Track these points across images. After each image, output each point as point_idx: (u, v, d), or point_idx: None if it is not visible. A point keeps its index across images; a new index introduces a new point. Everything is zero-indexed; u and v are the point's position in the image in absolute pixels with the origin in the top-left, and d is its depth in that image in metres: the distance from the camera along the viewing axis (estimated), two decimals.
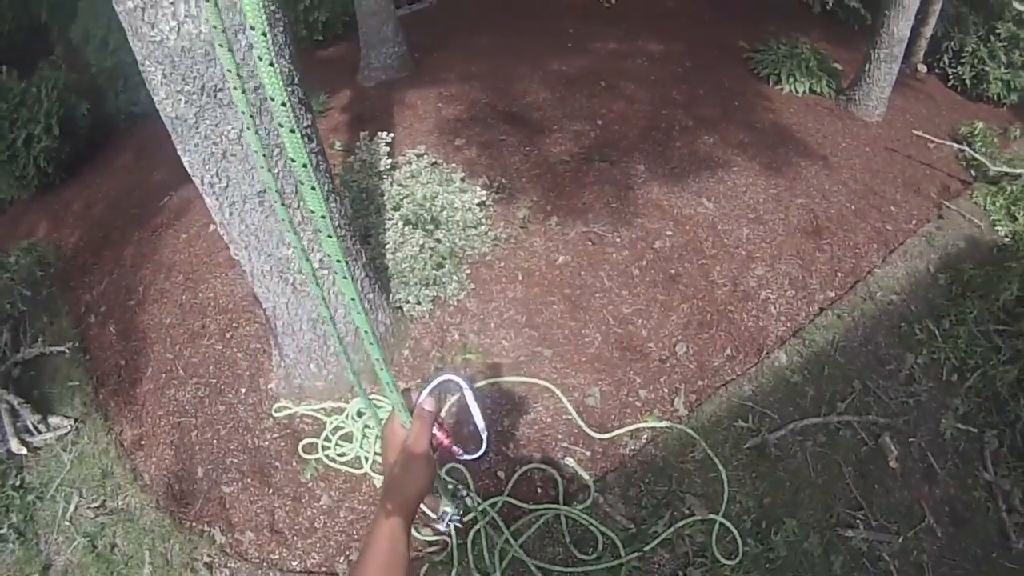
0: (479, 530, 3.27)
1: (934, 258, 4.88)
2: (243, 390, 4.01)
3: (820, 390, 3.90)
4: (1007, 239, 5.19)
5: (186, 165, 2.96)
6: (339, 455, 3.60)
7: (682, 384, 3.81)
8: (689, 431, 3.60)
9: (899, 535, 3.60)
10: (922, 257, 4.86)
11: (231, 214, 3.07)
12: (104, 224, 6.02)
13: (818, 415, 3.77)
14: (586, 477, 3.49)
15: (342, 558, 3.33)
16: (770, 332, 4.13)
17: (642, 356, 3.90)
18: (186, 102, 2.65)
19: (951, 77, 7.44)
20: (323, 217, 0.91)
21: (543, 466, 3.53)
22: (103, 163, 7.18)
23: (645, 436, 3.62)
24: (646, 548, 3.24)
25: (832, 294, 4.42)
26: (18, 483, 4.23)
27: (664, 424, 3.62)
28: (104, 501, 3.95)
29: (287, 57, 2.83)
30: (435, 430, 1.18)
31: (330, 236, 0.92)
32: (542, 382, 3.77)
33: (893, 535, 3.60)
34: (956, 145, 6.07)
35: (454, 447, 1.23)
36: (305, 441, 3.68)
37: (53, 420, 4.41)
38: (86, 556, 3.76)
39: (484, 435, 1.27)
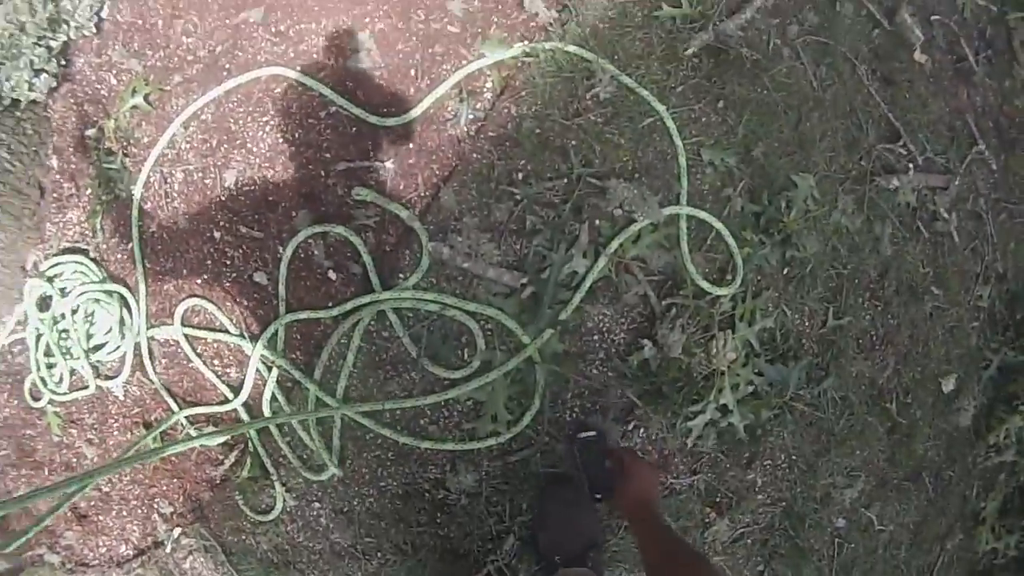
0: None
1: None
2: None
3: None
4: None
5: None
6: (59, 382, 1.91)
7: None
8: (571, 48, 1.66)
9: (953, 174, 2.03)
10: None
11: None
12: None
13: None
14: (408, 219, 1.58)
15: None
16: None
17: None
18: None
19: None
20: None
21: (322, 228, 1.61)
22: None
23: (487, 87, 1.69)
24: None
25: None
26: None
27: (518, 51, 1.66)
28: None
29: None
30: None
31: None
32: (269, 70, 1.70)
33: (946, 175, 2.02)
34: None
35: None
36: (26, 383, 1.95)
37: None
38: None
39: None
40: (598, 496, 1.50)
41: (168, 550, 1.84)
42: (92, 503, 1.93)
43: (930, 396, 2.06)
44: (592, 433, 1.55)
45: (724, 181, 1.70)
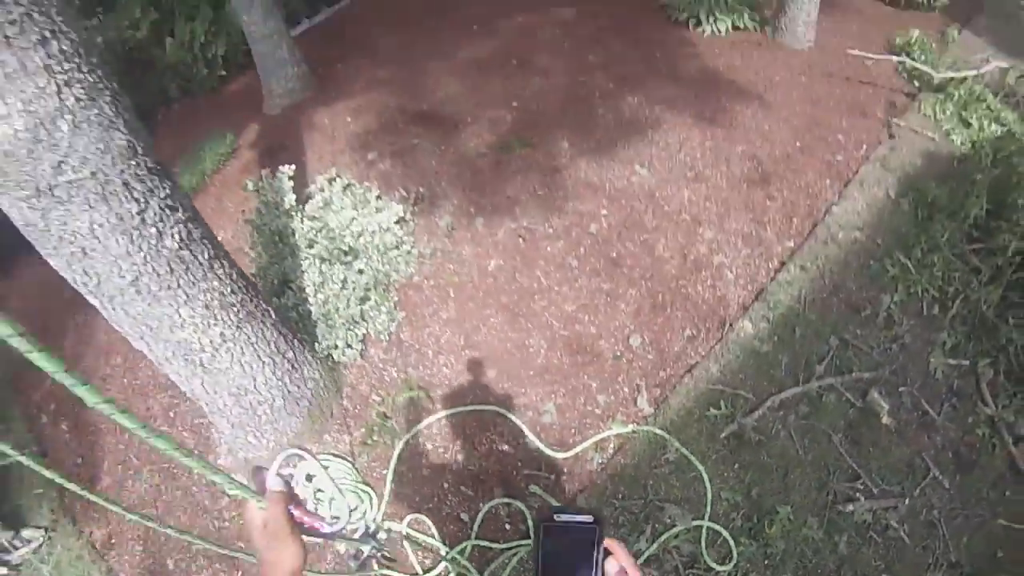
0: None
1: (893, 182, 4.54)
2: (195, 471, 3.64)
3: (794, 355, 3.55)
4: (965, 148, 4.85)
5: (56, 269, 2.66)
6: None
7: (642, 379, 3.45)
8: (658, 431, 3.24)
9: (905, 496, 3.29)
10: (880, 184, 4.51)
11: (114, 308, 2.78)
12: (42, 315, 5.58)
13: (796, 384, 3.43)
14: (554, 503, 3.13)
15: None
16: (730, 300, 3.77)
17: (594, 357, 3.53)
18: (28, 207, 2.36)
19: None
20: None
21: (508, 500, 3.17)
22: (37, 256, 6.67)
23: (611, 446, 3.27)
24: None
25: (791, 244, 4.07)
26: None
27: (630, 429, 3.27)
28: None
29: (122, 128, 2.44)
30: (292, 508, 1.18)
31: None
32: (491, 407, 3.40)
33: (898, 498, 3.29)
34: (895, 58, 5.71)
35: (315, 523, 1.26)
36: None
37: (26, 533, 4.22)
38: None
39: (338, 503, 1.30)
40: None
41: None
42: None
43: None
44: (580, 518, 0.99)
45: (732, 507, 3.13)
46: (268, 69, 6.25)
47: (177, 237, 2.75)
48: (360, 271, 3.98)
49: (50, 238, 2.49)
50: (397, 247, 4.10)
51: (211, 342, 3.02)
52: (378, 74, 6.27)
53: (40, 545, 4.14)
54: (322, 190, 4.57)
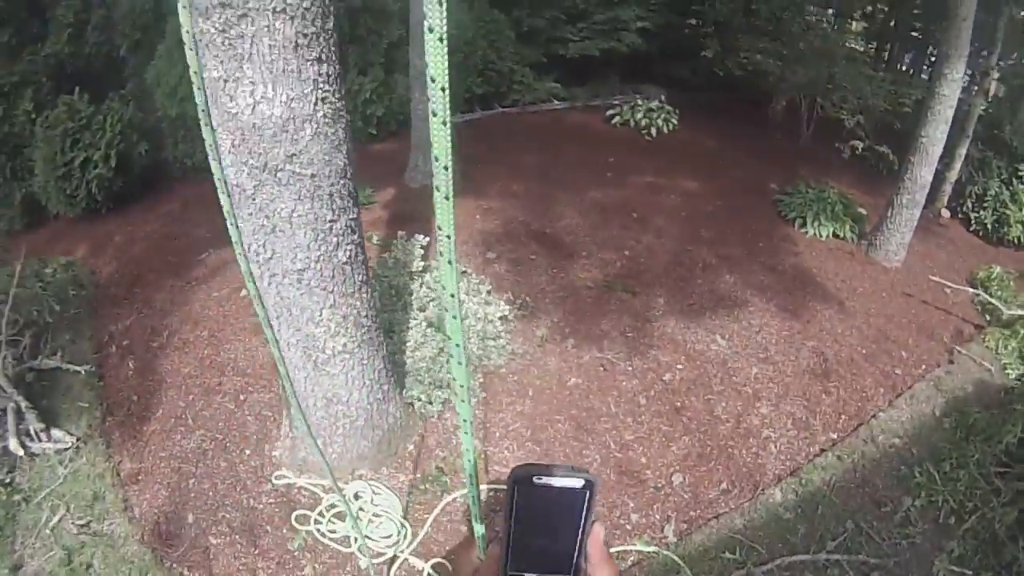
0: None
1: (940, 402, 5.00)
2: (247, 451, 4.25)
3: (812, 528, 4.00)
4: (1016, 382, 5.27)
5: (240, 229, 3.20)
6: (330, 531, 3.73)
7: (674, 512, 3.98)
8: (676, 558, 3.73)
9: None
10: (928, 401, 4.98)
11: (268, 283, 3.29)
12: (141, 263, 6.38)
13: (807, 552, 3.86)
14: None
15: None
16: (768, 469, 4.29)
17: (638, 482, 4.10)
18: (248, 174, 2.90)
19: (973, 221, 7.68)
20: (457, 346, 0.91)
21: None
22: (151, 205, 7.68)
23: (631, 559, 3.76)
24: None
25: (834, 436, 4.57)
26: (7, 480, 4.34)
27: (652, 549, 3.78)
28: (89, 521, 4.05)
29: (344, 152, 3.08)
30: None
31: (460, 363, 0.92)
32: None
33: None
34: (972, 290, 6.24)
35: None
36: (299, 512, 3.82)
37: (56, 432, 4.54)
38: (59, 568, 3.84)
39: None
40: None
41: None
42: None
43: None
44: (568, 481, 0.79)
45: None
46: (420, 147, 7.27)
47: (348, 253, 3.33)
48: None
49: (252, 205, 2.98)
50: (495, 339, 4.86)
51: (332, 347, 3.53)
52: (512, 187, 7.28)
53: (66, 449, 4.45)
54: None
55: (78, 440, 4.56)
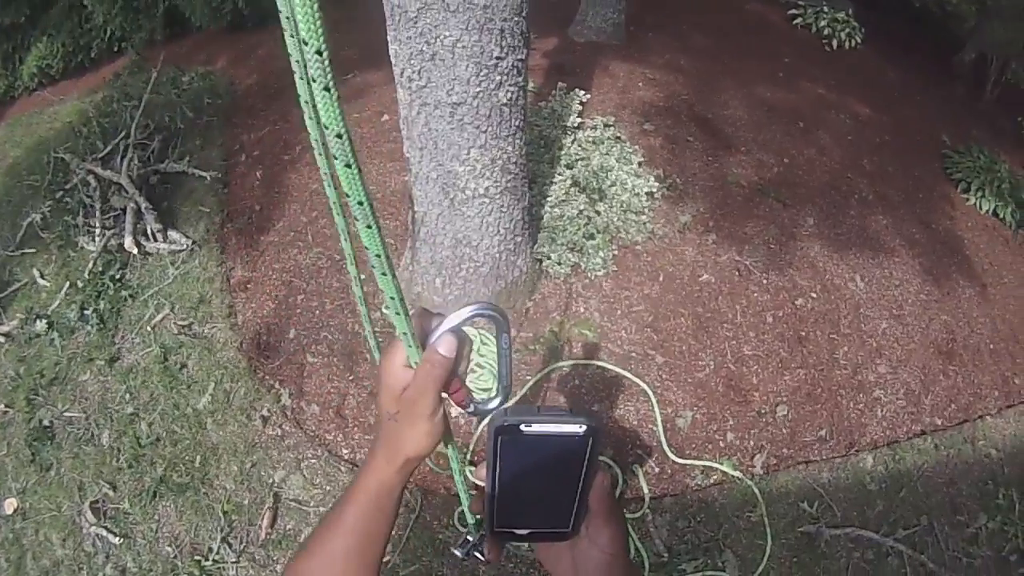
0: None
1: None
2: (363, 276, 4.12)
3: (888, 508, 3.93)
4: None
5: (391, 53, 3.00)
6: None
7: (768, 444, 3.89)
8: (756, 490, 3.69)
9: None
10: None
11: (418, 113, 3.12)
12: (282, 77, 6.19)
13: (877, 532, 3.81)
14: (646, 490, 3.62)
15: None
16: (868, 432, 4.15)
17: (744, 402, 3.97)
18: None
19: None
20: (377, 256, 0.76)
21: (610, 462, 3.67)
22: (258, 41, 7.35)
23: (715, 477, 3.73)
24: None
25: (939, 421, 4.39)
26: (118, 276, 4.47)
27: (736, 474, 3.72)
28: (191, 323, 4.16)
29: None
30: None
31: (378, 255, 0.75)
32: (644, 385, 3.88)
33: None
34: None
35: (465, 398, 0.88)
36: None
37: (172, 234, 4.62)
38: (155, 364, 3.98)
39: (501, 385, 0.92)
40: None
41: None
42: None
43: None
44: (564, 428, 0.70)
45: None
46: (592, 2, 6.65)
47: (510, 95, 3.11)
48: (598, 212, 4.46)
49: (413, 30, 2.78)
50: (637, 213, 4.56)
51: (474, 189, 3.36)
52: (680, 61, 6.62)
53: (180, 251, 4.52)
54: (596, 128, 5.04)
55: (194, 243, 4.59)
